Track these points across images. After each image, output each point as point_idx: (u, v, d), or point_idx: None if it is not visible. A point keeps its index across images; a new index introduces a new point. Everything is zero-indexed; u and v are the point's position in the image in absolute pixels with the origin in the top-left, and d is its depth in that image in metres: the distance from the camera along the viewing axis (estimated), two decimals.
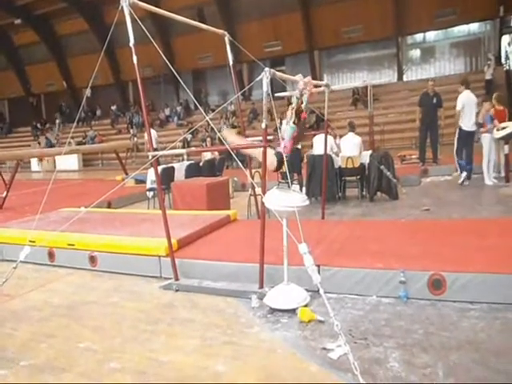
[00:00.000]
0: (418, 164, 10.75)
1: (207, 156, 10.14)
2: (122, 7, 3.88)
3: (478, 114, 8.94)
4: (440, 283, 3.46)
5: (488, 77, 16.92)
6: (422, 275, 3.54)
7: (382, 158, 8.04)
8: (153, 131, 14.08)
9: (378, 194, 8.08)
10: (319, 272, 3.66)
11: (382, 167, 7.77)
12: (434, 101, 10.31)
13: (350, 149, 8.19)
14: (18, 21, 24.64)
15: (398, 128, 17.22)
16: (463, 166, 8.90)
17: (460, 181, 8.82)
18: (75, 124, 14.85)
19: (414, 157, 11.42)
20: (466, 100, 8.74)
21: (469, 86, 9.11)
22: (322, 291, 3.09)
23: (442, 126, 11.56)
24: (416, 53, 21.26)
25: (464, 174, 8.81)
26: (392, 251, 4.13)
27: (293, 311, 3.43)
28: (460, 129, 8.83)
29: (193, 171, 9.07)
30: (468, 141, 8.84)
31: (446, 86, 16.68)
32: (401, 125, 17.17)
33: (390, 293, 3.59)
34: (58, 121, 27.88)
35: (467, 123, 8.70)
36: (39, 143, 25.64)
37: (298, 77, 4.49)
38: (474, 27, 19.58)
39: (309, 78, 4.50)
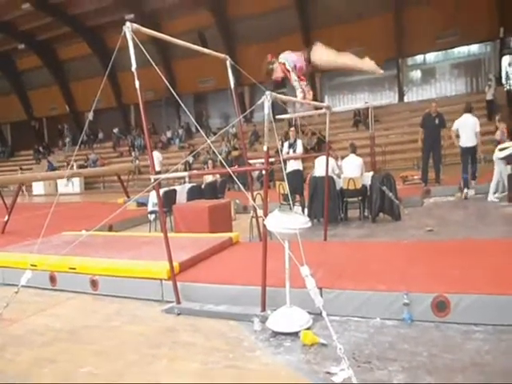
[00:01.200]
0: (420, 184, 10.76)
1: (209, 178, 10.17)
2: (125, 32, 3.96)
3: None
4: (444, 305, 3.43)
5: (489, 97, 17.08)
6: (425, 297, 3.51)
7: (384, 178, 8.05)
8: (157, 153, 14.22)
9: (381, 214, 8.07)
10: (321, 294, 3.63)
11: (384, 188, 7.78)
12: (437, 122, 10.38)
13: (351, 170, 8.23)
14: (21, 46, 25.11)
15: (399, 149, 17.31)
16: (466, 179, 9.73)
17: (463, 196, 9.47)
18: (77, 147, 14.98)
19: (416, 177, 11.43)
20: (461, 123, 9.81)
21: (469, 110, 10.04)
22: (324, 314, 3.07)
23: (445, 146, 11.61)
24: (417, 74, 21.50)
25: (466, 190, 9.58)
26: (395, 273, 4.11)
27: (295, 334, 3.40)
28: (460, 147, 9.86)
29: (195, 194, 9.09)
30: (466, 156, 9.80)
31: (447, 106, 16.83)
32: (402, 145, 17.27)
33: (393, 315, 3.55)
34: (68, 139, 28.04)
35: (463, 141, 9.75)
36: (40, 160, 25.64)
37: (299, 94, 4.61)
38: (474, 48, 19.83)
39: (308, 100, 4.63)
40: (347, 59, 4.63)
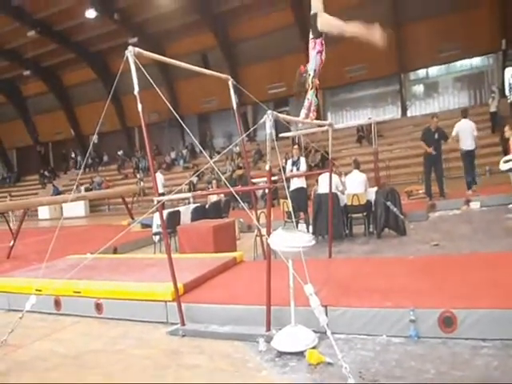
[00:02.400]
0: (425, 199, 10.71)
1: (213, 198, 10.19)
2: (127, 57, 4.03)
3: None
4: (451, 320, 3.39)
5: (493, 109, 17.08)
6: (432, 313, 3.47)
7: (388, 194, 8.02)
8: (160, 175, 14.27)
9: (386, 230, 8.02)
10: (326, 313, 3.61)
11: (389, 203, 7.75)
12: (436, 136, 10.39)
13: (355, 186, 8.22)
14: (26, 72, 25.47)
15: (403, 163, 17.27)
16: (470, 182, 10.52)
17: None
18: (82, 170, 15.11)
19: (420, 192, 11.38)
20: (460, 127, 10.53)
21: (466, 115, 10.92)
22: (329, 333, 3.05)
23: (448, 159, 11.60)
24: (419, 88, 21.49)
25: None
26: (401, 289, 4.08)
27: (301, 354, 3.36)
28: (461, 150, 10.65)
29: (199, 214, 9.10)
30: (467, 158, 10.65)
31: (451, 120, 16.83)
32: (406, 160, 17.23)
33: (400, 332, 3.51)
34: (79, 157, 28.30)
35: (463, 144, 10.53)
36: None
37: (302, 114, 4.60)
38: (476, 61, 19.81)
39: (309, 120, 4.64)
40: (354, 27, 4.53)
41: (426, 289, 3.98)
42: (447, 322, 3.39)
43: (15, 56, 24.94)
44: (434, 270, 4.67)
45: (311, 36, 4.61)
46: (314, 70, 4.57)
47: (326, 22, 4.50)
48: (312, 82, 4.57)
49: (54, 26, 22.58)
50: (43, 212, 22.34)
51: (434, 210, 9.98)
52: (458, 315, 3.37)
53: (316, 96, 4.77)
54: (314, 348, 3.41)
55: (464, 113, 11.07)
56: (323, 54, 4.65)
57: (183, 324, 4.18)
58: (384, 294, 3.93)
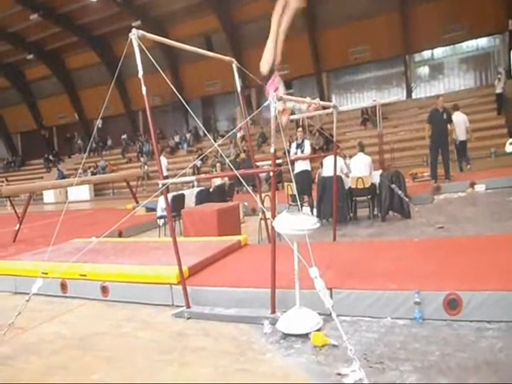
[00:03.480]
0: (430, 181, 10.66)
1: (217, 182, 10.17)
2: (131, 39, 3.97)
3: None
4: (456, 303, 3.38)
5: (498, 90, 16.89)
6: (437, 295, 3.46)
7: (393, 176, 7.98)
8: (163, 158, 14.25)
9: (390, 213, 8.00)
10: (331, 295, 3.62)
11: (394, 186, 7.71)
12: (445, 116, 10.28)
13: (360, 169, 8.17)
14: (30, 56, 25.34)
15: (408, 146, 17.17)
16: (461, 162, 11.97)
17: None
18: (87, 154, 15.09)
19: (425, 174, 11.33)
20: (455, 120, 10.95)
21: (458, 108, 11.91)
22: (334, 315, 3.05)
23: (451, 141, 11.51)
24: (424, 70, 21.24)
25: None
26: (406, 271, 4.07)
27: (306, 336, 3.37)
28: (455, 140, 11.46)
29: (203, 197, 9.11)
30: (460, 147, 11.81)
31: (457, 101, 16.65)
32: (411, 142, 17.13)
33: (404, 314, 3.51)
34: (79, 142, 28.28)
35: (457, 135, 11.31)
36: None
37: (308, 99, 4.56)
38: (482, 42, 19.53)
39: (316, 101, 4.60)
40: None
41: (430, 271, 3.97)
42: (452, 305, 3.39)
43: (18, 40, 24.79)
44: (438, 253, 4.66)
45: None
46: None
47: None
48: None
49: (56, 9, 22.41)
50: (48, 196, 22.47)
51: (439, 193, 9.96)
52: (464, 297, 3.37)
53: None
54: (318, 330, 3.42)
55: (456, 106, 11.97)
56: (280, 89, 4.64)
57: (188, 306, 4.20)
58: (389, 276, 3.93)
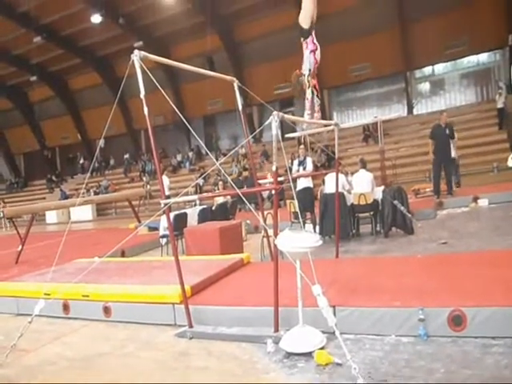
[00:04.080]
0: (432, 197, 10.64)
1: (219, 200, 10.19)
2: (133, 60, 4.03)
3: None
4: (460, 319, 3.36)
5: (500, 105, 16.95)
6: (441, 312, 3.44)
7: (395, 192, 7.98)
8: (165, 178, 14.29)
9: (393, 229, 7.98)
10: (335, 313, 3.59)
11: (396, 202, 7.71)
12: (447, 132, 10.31)
13: (362, 185, 8.19)
14: (33, 78, 25.63)
15: (409, 162, 17.19)
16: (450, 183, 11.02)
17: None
18: (89, 174, 15.20)
19: (428, 190, 11.33)
20: None
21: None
22: (337, 333, 3.03)
23: (456, 156, 11.52)
24: (425, 86, 21.35)
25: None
26: (409, 288, 4.04)
27: (309, 354, 3.34)
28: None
29: (206, 216, 9.11)
30: (451, 165, 11.26)
31: (458, 116, 16.70)
32: (413, 158, 17.16)
33: (409, 331, 3.48)
34: (82, 162, 28.30)
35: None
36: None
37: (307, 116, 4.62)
38: (483, 57, 19.65)
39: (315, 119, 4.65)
40: None
41: (434, 287, 3.95)
42: (457, 321, 3.36)
43: (22, 62, 25.12)
44: (442, 269, 4.63)
45: (302, 39, 4.61)
46: (309, 70, 4.62)
47: (302, 16, 4.68)
48: (308, 81, 4.58)
49: (59, 32, 22.75)
50: (51, 216, 22.51)
51: (441, 208, 9.93)
52: (468, 314, 3.34)
53: (317, 96, 4.77)
54: (322, 348, 3.39)
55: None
56: (317, 52, 4.77)
57: (191, 326, 4.17)
58: (392, 293, 3.91)
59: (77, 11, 20.59)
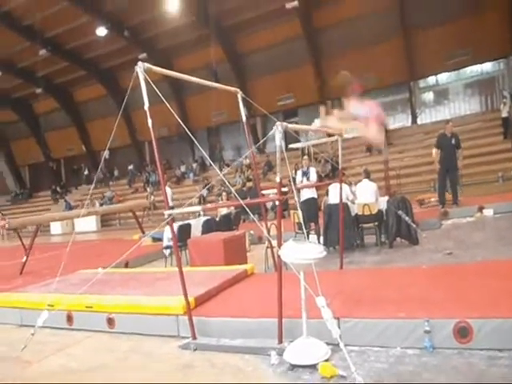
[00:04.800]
0: (437, 207, 10.59)
1: (223, 211, 10.19)
2: (137, 72, 4.06)
3: None
4: (466, 331, 3.32)
5: (504, 114, 16.91)
6: (447, 323, 3.40)
7: (400, 202, 7.95)
8: (168, 189, 14.33)
9: (398, 239, 7.94)
10: (339, 324, 3.57)
11: (400, 212, 7.67)
12: (453, 142, 10.29)
13: (366, 196, 8.17)
14: (38, 90, 25.85)
15: (414, 172, 17.15)
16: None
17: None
18: (93, 185, 15.24)
19: (432, 200, 11.29)
20: None
21: None
22: (342, 345, 3.01)
23: (461, 166, 11.47)
24: (429, 95, 21.32)
25: None
26: (415, 299, 4.01)
27: (314, 367, 3.31)
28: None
29: (209, 227, 9.11)
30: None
31: (463, 126, 16.63)
32: (417, 168, 17.10)
33: (414, 343, 3.45)
34: (89, 173, 28.49)
35: None
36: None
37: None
38: (487, 66, 19.60)
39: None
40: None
41: (440, 299, 3.91)
42: (462, 333, 3.33)
43: (27, 74, 25.34)
44: (447, 280, 4.60)
45: None
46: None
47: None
48: None
49: (64, 45, 22.98)
50: (55, 227, 22.56)
51: (446, 218, 9.88)
52: (474, 325, 3.31)
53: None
54: (326, 360, 3.36)
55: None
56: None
57: (194, 338, 4.15)
58: (397, 304, 3.88)
59: (82, 24, 20.80)
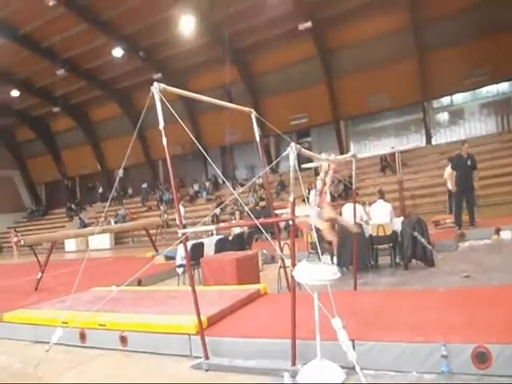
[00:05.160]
0: (453, 228, 10.44)
1: (236, 230, 10.18)
2: (153, 93, 4.13)
3: None
4: (485, 356, 3.24)
5: None
6: (464, 348, 3.33)
7: (415, 224, 7.86)
8: (181, 207, 14.39)
9: (413, 261, 7.83)
10: (354, 347, 3.50)
11: (416, 233, 7.59)
12: (469, 163, 10.20)
13: (380, 216, 8.11)
14: (56, 109, 26.40)
15: (429, 192, 16.98)
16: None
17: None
18: (108, 203, 15.46)
19: (448, 221, 11.13)
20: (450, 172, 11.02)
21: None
22: (358, 369, 2.95)
23: (477, 187, 11.31)
24: (444, 115, 21.19)
25: None
26: (431, 323, 3.94)
27: None
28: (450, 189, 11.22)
29: (222, 246, 9.10)
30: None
31: (479, 147, 16.48)
32: (432, 189, 16.92)
33: (431, 368, 3.37)
34: (100, 190, 28.77)
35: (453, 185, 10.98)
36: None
37: (324, 156, 4.68)
38: (503, 87, 19.46)
39: (332, 158, 4.70)
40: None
41: (457, 323, 3.84)
42: (481, 358, 3.25)
43: (45, 94, 25.96)
44: (465, 303, 4.51)
45: None
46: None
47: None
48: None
49: (82, 65, 23.52)
50: (70, 244, 22.74)
51: (463, 240, 9.70)
52: (493, 350, 3.23)
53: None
54: None
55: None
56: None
57: (207, 358, 4.12)
58: (413, 327, 3.81)
59: (99, 45, 21.32)
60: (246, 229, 10.31)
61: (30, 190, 33.73)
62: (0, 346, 5.59)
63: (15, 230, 26.00)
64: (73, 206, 29.99)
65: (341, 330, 3.16)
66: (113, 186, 19.01)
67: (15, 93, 25.40)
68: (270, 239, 4.87)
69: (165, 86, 4.24)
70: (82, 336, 5.10)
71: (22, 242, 9.23)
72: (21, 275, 11.24)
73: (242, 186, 19.87)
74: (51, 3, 18.07)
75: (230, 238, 9.80)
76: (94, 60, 22.86)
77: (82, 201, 30.96)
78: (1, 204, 31.44)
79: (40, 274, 8.69)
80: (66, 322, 4.70)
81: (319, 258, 5.33)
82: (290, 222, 3.88)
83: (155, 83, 4.18)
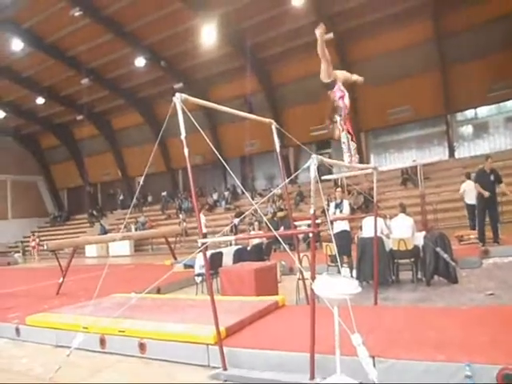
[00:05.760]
0: (477, 244, 10.23)
1: (255, 240, 10.16)
2: (175, 103, 4.17)
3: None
4: (511, 378, 3.14)
5: None
6: (490, 369, 3.24)
7: (438, 239, 7.71)
8: (201, 216, 14.48)
9: (436, 277, 7.67)
10: (374, 364, 3.44)
11: (438, 249, 7.44)
12: (492, 178, 10.01)
13: (401, 230, 7.98)
14: (79, 117, 26.96)
15: (452, 207, 16.62)
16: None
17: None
18: (130, 210, 15.62)
19: (472, 237, 10.91)
20: (466, 186, 12.11)
21: (469, 176, 12.36)
22: None
23: (501, 202, 11.05)
24: (468, 129, 20.83)
25: None
26: (455, 341, 3.85)
27: None
28: (466, 203, 12.33)
29: (241, 256, 9.10)
30: (471, 210, 11.84)
31: (504, 161, 16.15)
32: (455, 203, 16.52)
33: None
34: (120, 197, 29.19)
35: (469, 199, 11.82)
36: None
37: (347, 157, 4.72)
38: None
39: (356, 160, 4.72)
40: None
41: (482, 342, 3.74)
42: (507, 379, 3.15)
43: (70, 102, 26.57)
44: (490, 322, 4.40)
45: (328, 92, 4.99)
46: (340, 115, 4.71)
47: (322, 74, 5.03)
48: (341, 126, 4.71)
49: (106, 74, 24.02)
50: (90, 250, 23.05)
51: (487, 257, 9.49)
52: None
53: (352, 140, 4.82)
54: None
55: (468, 174, 12.77)
56: (345, 98, 4.89)
57: (225, 368, 4.10)
58: (436, 346, 3.72)
59: (122, 55, 21.75)
60: (264, 239, 10.29)
61: (53, 196, 34.42)
62: (22, 349, 5.68)
63: (33, 234, 26.56)
64: (94, 212, 30.43)
65: (361, 346, 3.10)
66: (133, 194, 19.19)
67: (40, 100, 26.05)
68: (288, 250, 4.85)
69: (186, 96, 4.27)
70: (102, 342, 5.14)
71: (45, 247, 9.39)
72: (42, 279, 11.41)
73: (260, 196, 19.85)
74: (77, 14, 18.55)
75: (249, 248, 9.79)
76: (117, 69, 23.34)
77: (103, 207, 31.37)
78: (25, 209, 32.17)
79: (62, 279, 8.81)
80: (86, 328, 4.74)
81: (339, 271, 5.29)
82: (310, 235, 3.85)
83: (177, 94, 4.21)
